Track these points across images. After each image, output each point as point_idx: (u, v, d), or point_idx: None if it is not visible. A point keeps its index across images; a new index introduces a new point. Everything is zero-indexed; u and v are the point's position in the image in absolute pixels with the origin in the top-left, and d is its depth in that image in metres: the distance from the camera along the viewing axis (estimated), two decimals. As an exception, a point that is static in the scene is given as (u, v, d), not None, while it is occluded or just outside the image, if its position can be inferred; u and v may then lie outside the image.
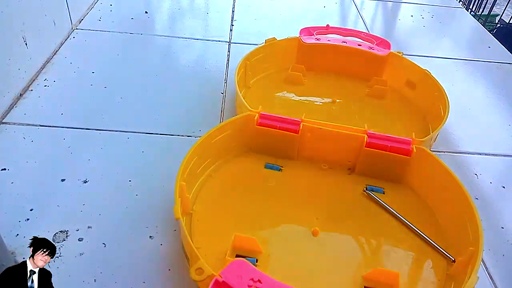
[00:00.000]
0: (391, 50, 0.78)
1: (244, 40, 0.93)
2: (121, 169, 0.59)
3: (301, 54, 0.81)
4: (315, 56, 0.81)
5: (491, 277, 0.51)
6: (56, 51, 0.82)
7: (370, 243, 0.53)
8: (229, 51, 0.89)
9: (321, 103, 0.75)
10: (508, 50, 1.02)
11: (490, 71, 0.93)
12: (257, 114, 0.61)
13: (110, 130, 0.65)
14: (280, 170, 0.61)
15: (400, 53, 0.78)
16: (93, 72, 0.78)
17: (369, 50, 0.78)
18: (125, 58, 0.83)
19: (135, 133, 0.65)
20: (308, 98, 0.77)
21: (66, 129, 0.65)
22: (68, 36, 0.87)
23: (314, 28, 0.84)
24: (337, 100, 0.75)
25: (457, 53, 0.98)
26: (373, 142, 0.59)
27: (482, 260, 0.53)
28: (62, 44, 0.85)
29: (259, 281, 0.40)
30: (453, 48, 1.01)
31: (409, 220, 0.55)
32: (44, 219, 0.51)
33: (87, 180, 0.57)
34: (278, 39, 0.79)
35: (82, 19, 0.94)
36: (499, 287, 0.50)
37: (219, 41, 0.92)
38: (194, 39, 0.92)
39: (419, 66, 0.75)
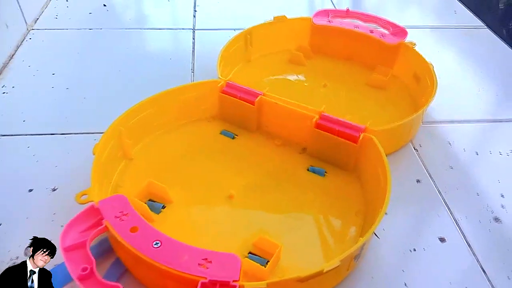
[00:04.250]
0: (405, 40, 0.73)
1: (209, 26, 0.91)
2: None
3: (310, 35, 0.80)
4: (324, 39, 0.79)
5: (468, 244, 0.52)
6: (13, 55, 0.79)
7: (279, 216, 0.53)
8: (194, 39, 0.87)
9: (309, 84, 0.74)
10: (473, 12, 1.02)
11: (457, 37, 0.93)
12: (224, 82, 0.63)
13: (75, 133, 0.63)
14: (233, 138, 0.63)
15: (412, 44, 0.72)
16: (53, 74, 0.75)
17: (380, 37, 0.74)
18: (85, 56, 0.80)
19: (102, 134, 0.63)
20: (301, 78, 0.75)
21: (30, 136, 0.63)
22: (24, 38, 0.84)
23: (332, 11, 0.81)
24: (328, 84, 0.73)
25: (424, 21, 0.98)
26: (323, 124, 0.57)
27: (460, 228, 0.53)
28: (18, 46, 0.81)
29: (126, 214, 0.43)
30: (420, 15, 1.01)
31: (340, 203, 0.54)
32: (13, 233, 0.50)
33: (55, 188, 0.55)
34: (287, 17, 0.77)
35: (38, 19, 0.90)
36: (476, 253, 0.51)
37: (182, 29, 0.90)
38: (156, 29, 0.90)
39: (425, 59, 0.69)
